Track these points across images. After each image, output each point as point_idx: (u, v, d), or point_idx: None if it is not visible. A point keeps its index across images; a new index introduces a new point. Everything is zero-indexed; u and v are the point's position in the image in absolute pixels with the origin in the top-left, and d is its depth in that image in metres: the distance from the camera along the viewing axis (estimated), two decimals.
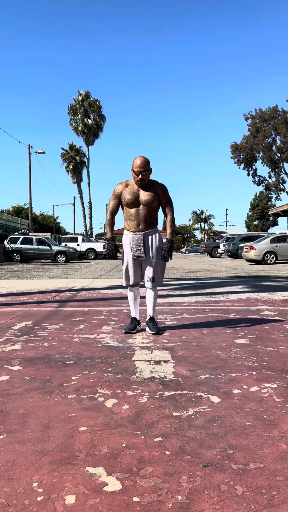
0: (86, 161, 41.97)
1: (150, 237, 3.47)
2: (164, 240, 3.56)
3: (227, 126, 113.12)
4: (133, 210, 3.43)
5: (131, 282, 3.56)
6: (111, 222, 3.61)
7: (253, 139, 46.57)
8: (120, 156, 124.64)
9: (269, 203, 69.12)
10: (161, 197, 3.47)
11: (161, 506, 1.20)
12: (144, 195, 3.39)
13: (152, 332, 3.53)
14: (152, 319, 3.62)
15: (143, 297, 3.92)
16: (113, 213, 3.56)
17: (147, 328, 3.62)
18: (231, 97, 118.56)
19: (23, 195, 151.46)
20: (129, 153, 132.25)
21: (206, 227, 62.93)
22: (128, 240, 3.50)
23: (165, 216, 3.59)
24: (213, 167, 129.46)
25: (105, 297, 6.25)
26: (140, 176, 3.33)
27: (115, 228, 3.66)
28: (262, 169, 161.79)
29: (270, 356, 2.78)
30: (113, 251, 3.60)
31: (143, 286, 3.70)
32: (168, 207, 3.53)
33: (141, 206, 3.42)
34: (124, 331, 3.58)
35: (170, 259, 3.58)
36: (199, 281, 8.88)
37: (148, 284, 3.54)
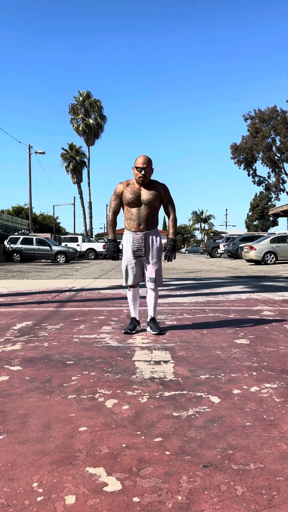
0: (86, 161, 41.89)
1: (151, 237, 3.47)
2: (165, 240, 3.57)
3: (228, 126, 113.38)
4: (134, 210, 3.42)
5: (130, 282, 3.55)
6: (113, 223, 3.61)
7: (252, 139, 46.57)
8: (120, 156, 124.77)
9: (269, 203, 69.15)
10: (162, 197, 3.48)
11: (161, 506, 1.20)
12: (145, 194, 3.39)
13: (154, 333, 3.52)
14: (153, 319, 3.60)
15: (143, 297, 3.91)
16: (115, 213, 3.56)
17: (148, 329, 3.61)
18: (231, 97, 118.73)
19: (23, 195, 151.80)
20: (129, 153, 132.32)
21: (206, 227, 62.81)
22: (128, 240, 3.49)
23: (167, 215, 3.60)
24: (213, 167, 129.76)
25: (105, 297, 6.25)
26: (142, 173, 3.34)
27: (117, 228, 3.65)
28: (262, 169, 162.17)
29: (270, 356, 2.78)
30: (115, 252, 3.60)
31: (143, 286, 3.71)
32: (170, 206, 3.54)
33: (142, 205, 3.41)
34: (123, 331, 3.57)
35: (174, 259, 3.61)
36: (199, 281, 8.88)
37: (149, 284, 3.53)
